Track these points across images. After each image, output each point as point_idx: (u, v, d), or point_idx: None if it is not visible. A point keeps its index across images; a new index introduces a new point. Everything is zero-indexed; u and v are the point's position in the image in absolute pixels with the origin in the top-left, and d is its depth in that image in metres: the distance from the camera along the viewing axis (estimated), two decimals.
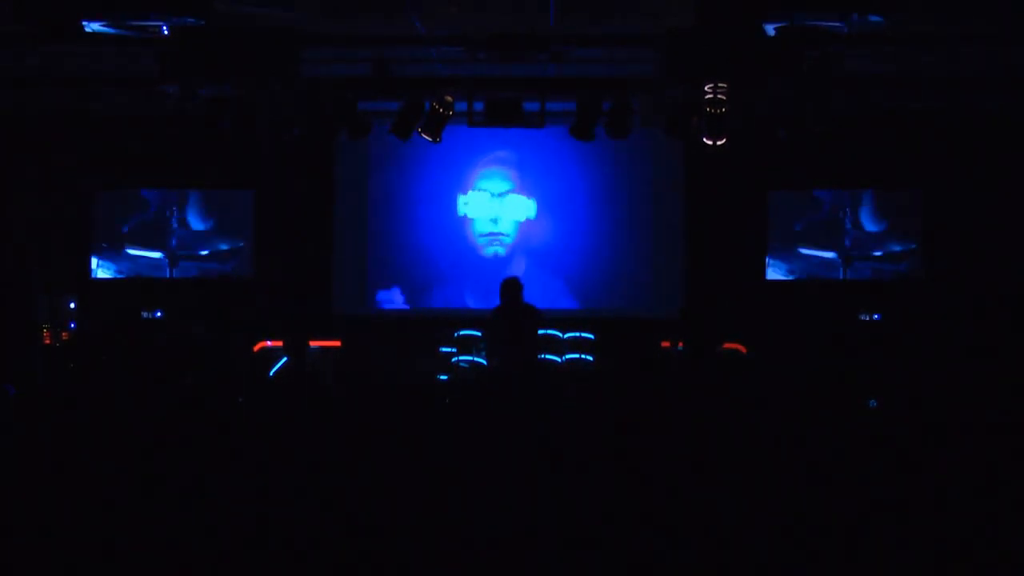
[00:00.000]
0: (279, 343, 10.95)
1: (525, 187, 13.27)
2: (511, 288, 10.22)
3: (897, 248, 13.06)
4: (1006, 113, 12.52)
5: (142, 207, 13.27)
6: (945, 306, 12.51)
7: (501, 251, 13.27)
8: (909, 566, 4.96)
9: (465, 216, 13.26)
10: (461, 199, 13.24)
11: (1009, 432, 6.70)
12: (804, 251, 13.17)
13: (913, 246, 13.01)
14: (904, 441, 6.61)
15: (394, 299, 13.31)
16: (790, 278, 13.16)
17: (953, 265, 12.77)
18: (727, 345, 11.96)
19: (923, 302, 12.72)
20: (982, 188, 12.82)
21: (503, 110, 10.87)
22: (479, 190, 13.27)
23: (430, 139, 10.91)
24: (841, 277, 13.12)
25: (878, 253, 13.07)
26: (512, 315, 10.21)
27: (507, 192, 13.27)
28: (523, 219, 13.27)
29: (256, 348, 12.11)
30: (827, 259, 13.15)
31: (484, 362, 12.16)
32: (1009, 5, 8.62)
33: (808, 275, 13.16)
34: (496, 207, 13.27)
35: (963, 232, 12.81)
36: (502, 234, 13.26)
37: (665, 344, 12.10)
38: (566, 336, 12.66)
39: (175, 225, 13.29)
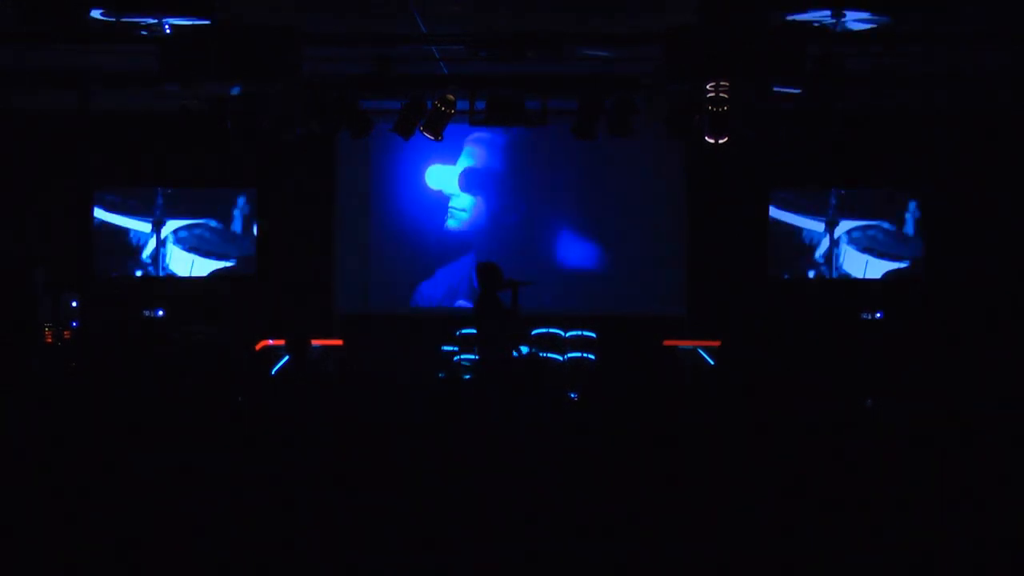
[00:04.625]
0: (281, 342, 10.94)
1: (527, 187, 13.24)
2: None
3: (900, 247, 13.04)
4: (1009, 113, 12.49)
5: (144, 206, 13.26)
6: (947, 305, 12.50)
7: (502, 249, 13.25)
8: (908, 564, 4.95)
9: (466, 214, 13.26)
10: (461, 200, 13.25)
11: (1010, 431, 6.70)
12: (806, 249, 13.15)
13: (916, 245, 13.00)
14: (904, 440, 6.61)
15: (395, 298, 13.27)
16: (791, 276, 13.15)
17: (955, 264, 12.75)
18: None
19: (925, 301, 12.71)
20: (984, 187, 12.80)
21: (505, 108, 10.84)
22: (479, 190, 13.27)
23: (432, 137, 10.89)
24: (843, 276, 13.10)
25: (881, 251, 13.05)
26: None
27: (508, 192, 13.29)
28: (525, 218, 13.25)
29: (257, 347, 12.10)
30: (829, 257, 13.12)
31: None
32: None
33: (810, 273, 13.15)
34: (497, 205, 13.28)
35: (965, 231, 12.79)
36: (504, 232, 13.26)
37: (667, 343, 12.09)
38: (568, 335, 12.64)
39: (177, 224, 13.28)
